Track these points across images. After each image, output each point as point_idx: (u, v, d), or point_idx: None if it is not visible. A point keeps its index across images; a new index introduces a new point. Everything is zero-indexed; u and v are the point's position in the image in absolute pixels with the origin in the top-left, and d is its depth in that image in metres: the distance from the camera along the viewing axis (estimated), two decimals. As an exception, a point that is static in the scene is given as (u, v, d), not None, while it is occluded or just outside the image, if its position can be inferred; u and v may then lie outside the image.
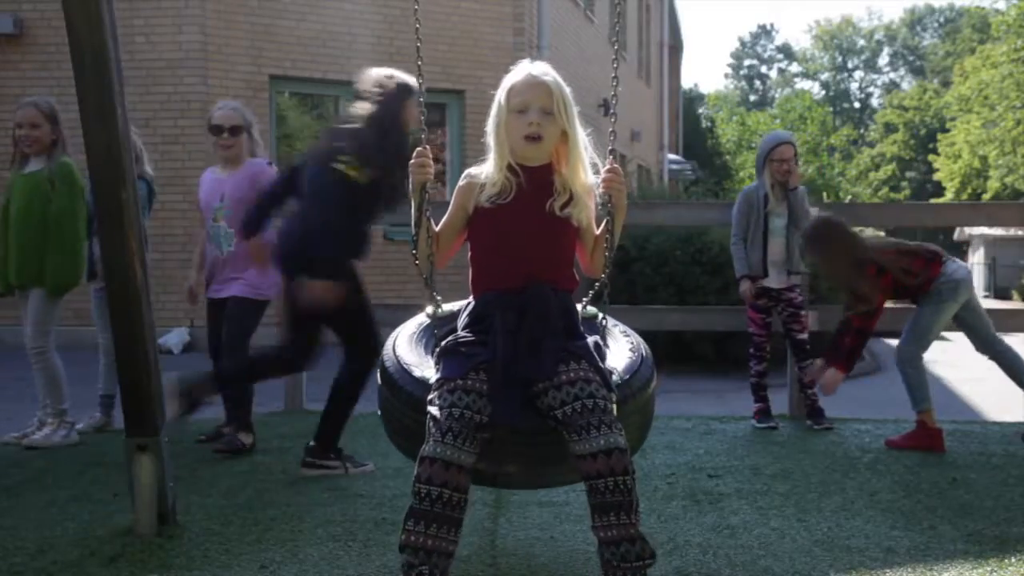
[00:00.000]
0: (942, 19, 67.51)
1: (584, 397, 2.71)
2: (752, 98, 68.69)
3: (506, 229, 2.92)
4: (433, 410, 2.72)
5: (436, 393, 2.76)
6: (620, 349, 3.20)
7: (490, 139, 2.96)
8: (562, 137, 2.91)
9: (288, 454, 5.10)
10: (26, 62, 11.56)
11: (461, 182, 3.00)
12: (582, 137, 2.95)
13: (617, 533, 2.66)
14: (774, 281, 5.91)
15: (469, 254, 3.05)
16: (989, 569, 3.24)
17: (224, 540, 3.56)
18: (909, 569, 3.25)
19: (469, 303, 3.00)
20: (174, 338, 10.88)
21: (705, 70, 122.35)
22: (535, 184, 2.92)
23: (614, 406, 2.76)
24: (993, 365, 5.46)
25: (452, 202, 3.02)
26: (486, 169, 2.97)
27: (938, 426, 5.22)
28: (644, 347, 3.24)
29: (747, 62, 74.33)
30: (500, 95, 2.93)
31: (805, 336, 5.99)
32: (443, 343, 2.90)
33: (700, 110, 35.21)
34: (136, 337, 3.61)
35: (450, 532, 2.65)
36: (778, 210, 5.92)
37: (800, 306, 5.96)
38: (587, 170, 2.96)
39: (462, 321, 2.98)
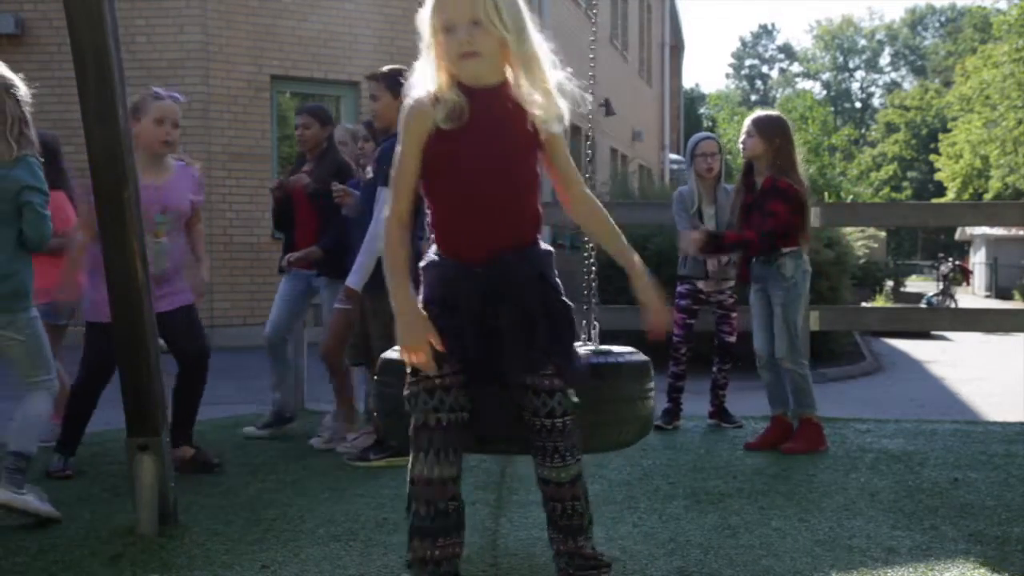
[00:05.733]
0: (943, 19, 67.57)
1: (544, 415, 2.64)
2: (753, 98, 68.73)
3: (467, 171, 2.55)
4: (417, 418, 2.61)
5: (412, 391, 2.62)
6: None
7: (425, 65, 2.58)
8: (509, 44, 2.52)
9: (289, 454, 5.10)
10: (28, 62, 11.55)
11: (408, 114, 2.57)
12: (533, 35, 2.58)
13: (567, 548, 2.77)
14: (704, 282, 5.80)
15: (428, 215, 2.71)
16: (991, 569, 3.24)
17: (225, 540, 3.56)
18: (910, 569, 3.25)
19: (432, 261, 2.67)
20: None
21: (706, 70, 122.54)
22: (492, 110, 2.55)
23: (571, 419, 2.66)
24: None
25: (406, 143, 2.57)
26: (431, 88, 2.55)
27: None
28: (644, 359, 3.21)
29: (748, 62, 74.42)
30: (426, 12, 2.56)
31: (734, 339, 5.88)
32: None
33: (701, 110, 35.22)
34: (137, 337, 3.61)
35: (454, 536, 2.67)
36: (709, 210, 5.82)
37: (731, 308, 5.82)
38: (549, 68, 2.58)
39: (426, 292, 2.67)
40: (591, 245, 3.46)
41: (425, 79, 2.56)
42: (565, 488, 2.71)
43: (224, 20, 11.77)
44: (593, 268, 3.15)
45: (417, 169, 2.58)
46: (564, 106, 2.59)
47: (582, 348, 3.05)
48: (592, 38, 3.17)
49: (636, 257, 2.71)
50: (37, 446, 3.77)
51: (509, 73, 2.57)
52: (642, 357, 3.18)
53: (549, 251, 2.69)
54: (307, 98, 13.22)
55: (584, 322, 3.25)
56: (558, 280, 2.69)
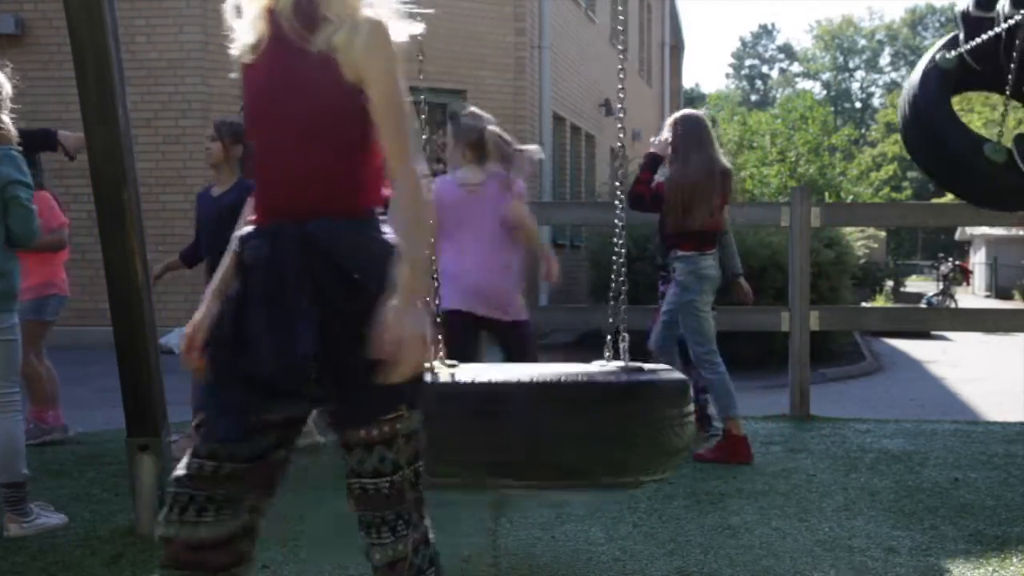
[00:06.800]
0: (943, 19, 67.56)
1: (367, 475, 2.00)
2: (753, 98, 68.70)
3: (248, 111, 2.12)
4: None
5: None
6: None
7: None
8: None
9: (289, 454, 5.11)
10: (28, 62, 11.54)
11: None
12: None
13: None
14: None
15: None
16: (991, 569, 3.24)
17: (225, 540, 3.55)
18: (911, 569, 3.25)
19: None
20: (175, 338, 10.87)
21: (706, 70, 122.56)
22: (283, 38, 2.02)
23: (402, 474, 2.00)
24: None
25: None
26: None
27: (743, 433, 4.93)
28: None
29: (748, 62, 74.41)
30: None
31: None
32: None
33: (701, 110, 35.33)
34: (137, 337, 3.61)
35: None
36: None
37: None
38: None
39: None
40: (620, 245, 2.97)
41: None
42: (397, 568, 1.98)
43: (224, 20, 11.77)
44: (622, 268, 2.86)
45: None
46: (368, 27, 1.92)
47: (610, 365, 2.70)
48: (620, 59, 3.08)
49: (407, 275, 1.85)
50: (25, 468, 3.66)
51: None
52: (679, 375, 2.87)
53: (372, 237, 1.95)
54: (307, 98, 13.23)
55: (612, 335, 2.90)
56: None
